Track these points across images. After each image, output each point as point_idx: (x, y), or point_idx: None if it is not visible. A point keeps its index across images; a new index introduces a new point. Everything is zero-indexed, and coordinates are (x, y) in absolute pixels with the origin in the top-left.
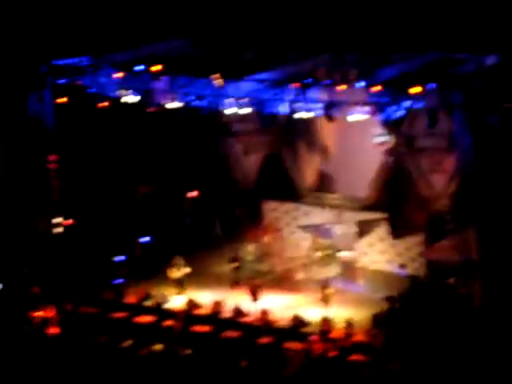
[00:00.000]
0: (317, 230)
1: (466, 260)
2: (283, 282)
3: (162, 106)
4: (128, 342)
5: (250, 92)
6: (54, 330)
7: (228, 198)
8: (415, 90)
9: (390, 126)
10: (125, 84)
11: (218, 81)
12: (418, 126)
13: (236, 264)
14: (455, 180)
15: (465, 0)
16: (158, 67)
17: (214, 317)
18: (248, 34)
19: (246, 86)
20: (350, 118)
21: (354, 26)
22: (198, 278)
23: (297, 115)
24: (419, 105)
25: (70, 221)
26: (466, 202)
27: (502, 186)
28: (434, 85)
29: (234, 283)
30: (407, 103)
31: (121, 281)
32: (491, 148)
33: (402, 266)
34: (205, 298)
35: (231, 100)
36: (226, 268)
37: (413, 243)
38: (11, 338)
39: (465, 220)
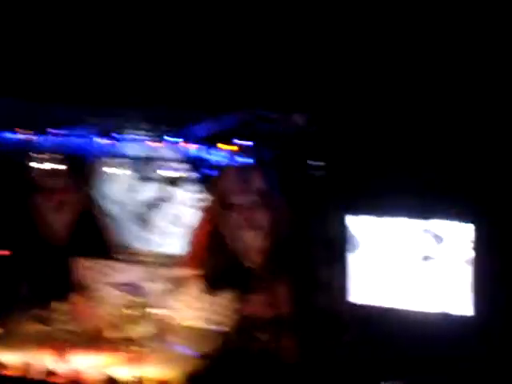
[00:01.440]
0: (128, 287)
1: (276, 315)
2: (93, 341)
3: None
4: None
5: (58, 146)
6: None
7: (37, 256)
8: (228, 147)
9: (205, 182)
10: None
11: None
12: (230, 183)
13: (44, 324)
14: (268, 235)
15: (273, 59)
16: None
17: (22, 378)
18: (55, 88)
19: (53, 139)
20: (164, 175)
21: (163, 80)
22: (5, 338)
23: (109, 171)
24: (232, 161)
25: None
26: (278, 257)
27: (312, 241)
28: (246, 142)
29: (42, 343)
30: (220, 160)
31: None
32: (300, 204)
33: (216, 322)
34: (12, 358)
35: (38, 154)
36: (34, 328)
37: (226, 298)
38: None
39: (276, 275)
